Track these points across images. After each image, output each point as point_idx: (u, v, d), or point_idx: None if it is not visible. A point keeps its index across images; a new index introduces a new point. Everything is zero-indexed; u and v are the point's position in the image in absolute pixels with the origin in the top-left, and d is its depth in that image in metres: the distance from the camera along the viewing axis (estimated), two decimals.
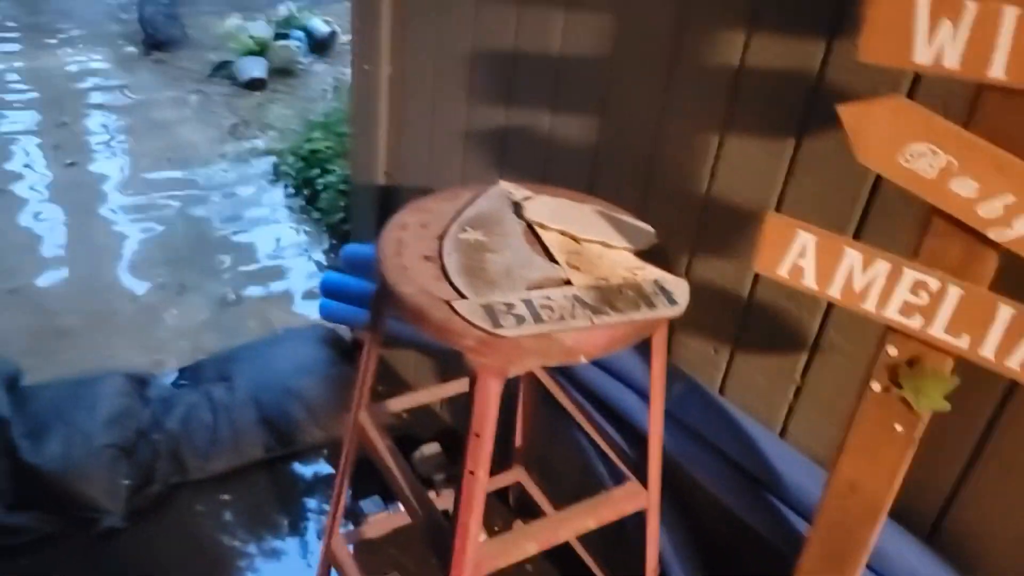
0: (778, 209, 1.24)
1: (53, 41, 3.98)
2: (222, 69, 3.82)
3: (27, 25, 4.08)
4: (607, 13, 1.44)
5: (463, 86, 1.82)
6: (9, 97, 3.54)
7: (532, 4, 1.59)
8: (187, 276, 2.68)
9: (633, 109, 1.45)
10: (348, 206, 2.76)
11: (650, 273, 1.17)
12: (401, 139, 2.12)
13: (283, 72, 3.86)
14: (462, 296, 1.09)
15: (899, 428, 0.90)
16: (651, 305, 1.09)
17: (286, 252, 2.86)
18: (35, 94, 3.60)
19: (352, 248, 2.18)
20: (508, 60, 1.68)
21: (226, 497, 1.88)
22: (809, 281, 0.93)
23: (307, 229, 3.00)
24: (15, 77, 3.67)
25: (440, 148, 1.98)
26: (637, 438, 1.44)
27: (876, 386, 0.90)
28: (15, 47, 3.90)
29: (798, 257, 0.93)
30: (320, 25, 4.08)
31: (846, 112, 0.84)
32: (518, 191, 1.35)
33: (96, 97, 3.65)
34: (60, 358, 2.29)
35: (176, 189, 3.13)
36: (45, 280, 2.60)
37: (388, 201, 2.22)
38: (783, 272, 0.94)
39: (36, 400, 1.97)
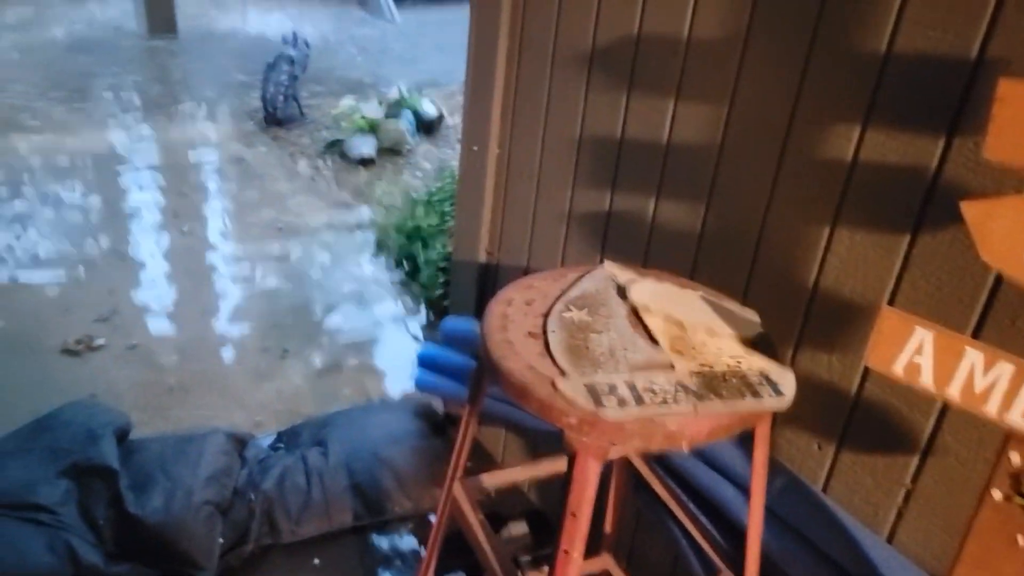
0: (891, 305, 1.22)
1: (181, 114, 4.25)
2: (334, 146, 4.00)
3: (158, 98, 4.39)
4: (717, 103, 1.47)
5: (568, 168, 1.86)
6: (138, 165, 3.78)
7: (641, 93, 1.63)
8: (289, 341, 2.77)
9: (740, 197, 1.46)
10: (448, 282, 2.83)
11: (755, 362, 1.16)
12: (504, 218, 2.17)
13: (391, 151, 4.02)
14: (565, 374, 1.10)
15: (1022, 541, 0.86)
16: (756, 395, 1.07)
17: (385, 323, 2.93)
18: (160, 164, 3.84)
19: (451, 323, 2.22)
20: (614, 144, 1.72)
21: (316, 562, 1.89)
22: (926, 380, 0.90)
23: (406, 302, 3.07)
24: (145, 147, 3.93)
25: (542, 229, 2.02)
26: (733, 532, 1.39)
27: (997, 494, 0.86)
28: (147, 118, 4.18)
29: (915, 354, 0.91)
30: (428, 107, 4.25)
31: (970, 209, 0.83)
32: (623, 273, 1.36)
33: (214, 169, 3.87)
34: (168, 413, 2.38)
35: (284, 258, 3.27)
36: (160, 338, 2.73)
37: (488, 279, 2.27)
38: (898, 369, 0.92)
39: (143, 453, 2.05)
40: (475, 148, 2.16)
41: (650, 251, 1.67)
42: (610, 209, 1.77)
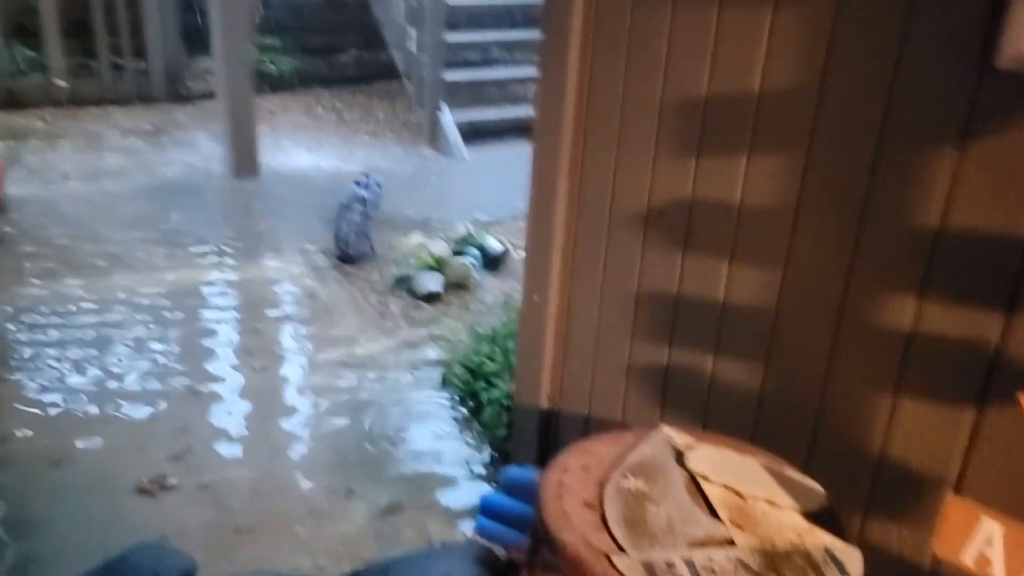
0: (960, 480, 1.18)
1: (259, 252, 4.44)
2: (403, 282, 4.12)
3: (239, 237, 4.61)
4: (772, 267, 1.49)
5: (627, 323, 1.89)
6: (216, 303, 3.95)
7: (696, 254, 1.67)
8: (353, 480, 2.79)
9: (799, 360, 1.46)
10: (511, 423, 2.84)
11: (819, 538, 1.13)
12: (565, 367, 2.19)
13: (458, 286, 4.12)
14: (622, 550, 1.09)
15: None
16: (820, 575, 1.05)
17: (448, 463, 2.94)
18: (237, 302, 4.01)
19: (512, 472, 2.22)
20: (671, 302, 1.75)
21: None
22: (998, 573, 0.87)
23: (470, 441, 3.08)
24: (224, 287, 4.11)
25: (602, 380, 2.03)
26: None
27: None
28: (227, 257, 4.38)
29: (984, 545, 0.89)
30: (494, 244, 4.37)
31: None
32: (681, 438, 1.36)
33: (288, 305, 4.01)
34: (234, 556, 2.40)
35: (350, 394, 3.33)
36: (229, 478, 2.79)
37: (549, 425, 2.28)
38: (967, 560, 0.89)
39: None
40: (536, 297, 2.21)
41: (710, 410, 1.67)
42: (668, 365, 1.78)
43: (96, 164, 5.64)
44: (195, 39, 7.06)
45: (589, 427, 2.09)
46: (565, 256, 2.11)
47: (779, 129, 1.45)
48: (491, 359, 3.28)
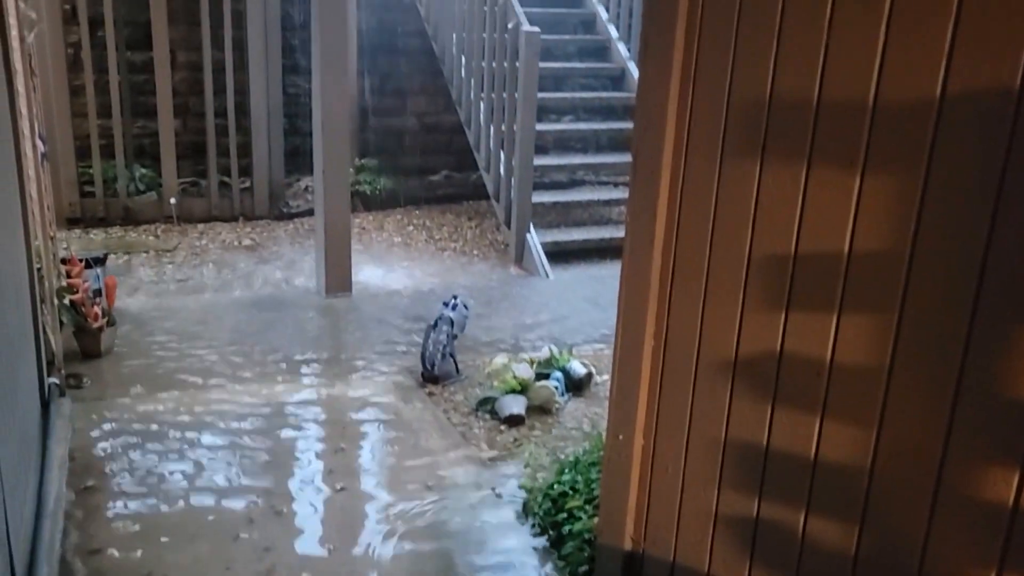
0: None
1: (346, 369, 4.55)
2: (485, 404, 4.15)
3: (327, 354, 4.74)
4: (864, 426, 1.47)
5: (713, 470, 1.87)
6: (302, 421, 4.04)
7: (786, 407, 1.66)
8: None
9: (896, 526, 1.42)
10: (593, 557, 2.78)
11: None
12: (649, 509, 2.16)
13: (541, 410, 4.12)
14: None
15: None
16: None
17: None
18: (323, 419, 4.10)
19: None
20: (760, 453, 1.73)
21: None
22: None
23: (550, 573, 3.02)
24: (310, 402, 4.22)
25: (688, 525, 1.99)
26: None
27: None
28: (314, 374, 4.51)
29: None
30: (578, 367, 4.38)
31: None
32: None
33: (371, 424, 4.07)
34: None
35: (431, 517, 3.33)
36: None
37: (633, 567, 2.23)
38: None
39: None
40: (620, 437, 2.21)
41: (801, 567, 1.62)
42: (757, 518, 1.74)
43: (200, 278, 5.95)
44: (297, 160, 7.49)
45: (674, 574, 2.04)
46: (651, 396, 2.11)
47: (870, 289, 1.46)
48: (574, 489, 3.25)
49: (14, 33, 3.53)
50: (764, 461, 1.71)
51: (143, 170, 6.99)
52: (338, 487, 3.52)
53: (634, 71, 7.33)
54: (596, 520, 2.78)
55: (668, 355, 2.03)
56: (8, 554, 2.47)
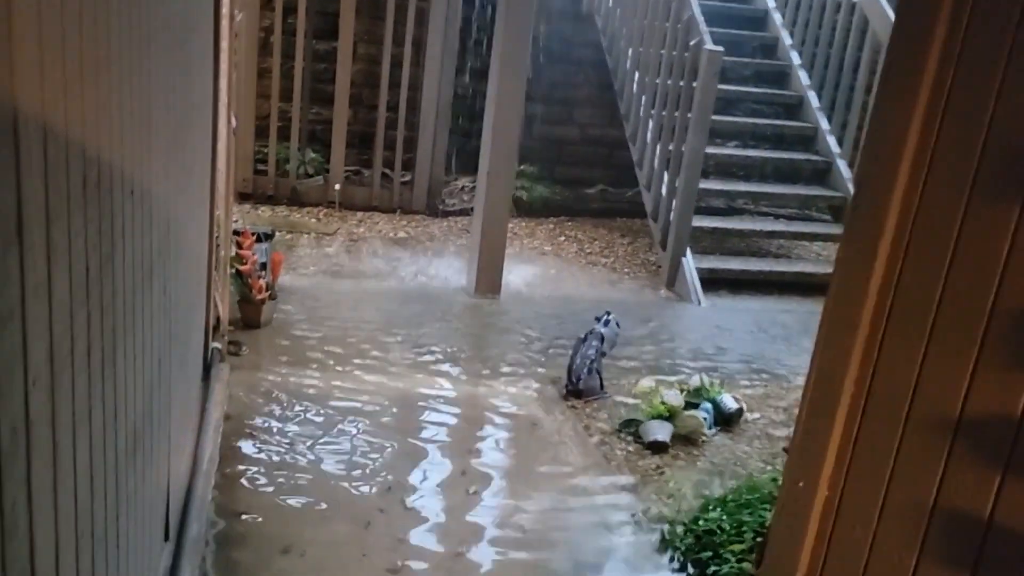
0: None
1: (488, 373, 4.52)
2: (629, 426, 4.02)
3: (471, 353, 4.73)
4: None
5: (914, 538, 1.68)
6: (440, 417, 4.03)
7: (1021, 479, 1.46)
8: None
9: None
10: None
11: None
12: (824, 568, 1.99)
13: (686, 440, 3.96)
14: None
15: None
16: None
17: None
18: (461, 420, 4.07)
19: None
20: (979, 528, 1.53)
21: None
22: None
23: None
24: (449, 399, 4.22)
25: None
26: None
27: None
28: (457, 371, 4.50)
29: None
30: (729, 401, 4.19)
31: None
32: None
33: (509, 430, 4.01)
34: None
35: (564, 533, 3.24)
36: None
37: None
38: None
39: None
40: (800, 484, 2.04)
41: None
42: None
43: (356, 264, 6.09)
44: (457, 159, 7.58)
45: None
46: (843, 445, 1.94)
47: None
48: (721, 528, 3.08)
49: (225, 11, 3.69)
50: (984, 538, 1.52)
51: (313, 155, 7.24)
52: (471, 490, 3.48)
53: (814, 100, 7.02)
54: (750, 567, 2.60)
55: (870, 405, 1.85)
56: (166, 509, 2.54)
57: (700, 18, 6.10)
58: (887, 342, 1.82)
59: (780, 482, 2.22)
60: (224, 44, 3.63)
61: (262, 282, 4.60)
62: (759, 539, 2.71)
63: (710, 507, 3.29)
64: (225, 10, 3.63)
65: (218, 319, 4.13)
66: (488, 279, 5.56)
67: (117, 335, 1.69)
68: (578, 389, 4.30)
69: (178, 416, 2.77)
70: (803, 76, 7.17)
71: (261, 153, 7.06)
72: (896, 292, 1.80)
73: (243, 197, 6.90)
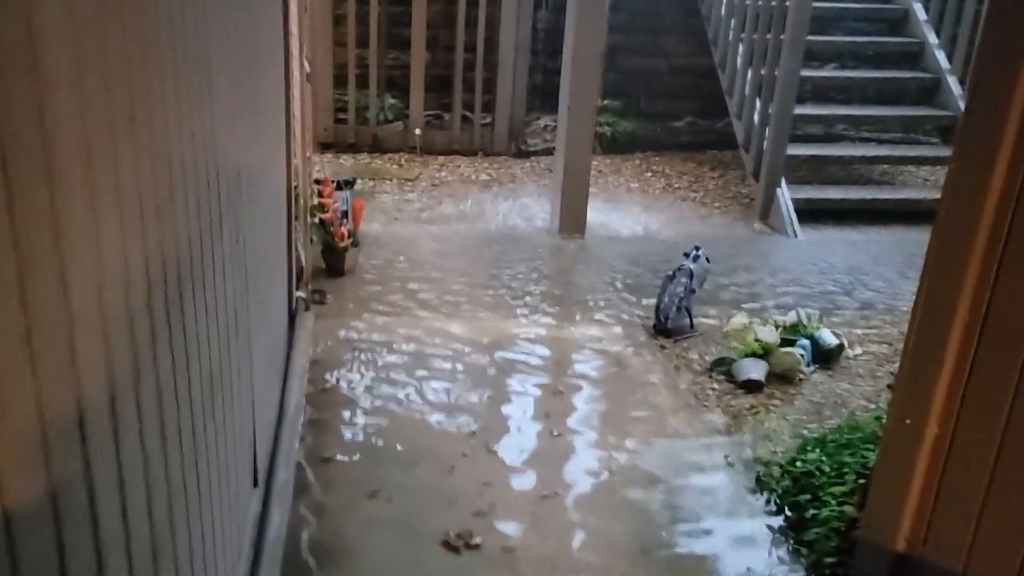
0: None
1: (573, 312, 4.42)
2: (721, 365, 3.87)
3: (555, 294, 4.65)
4: None
5: None
6: (528, 361, 3.96)
7: None
8: (643, 569, 2.59)
9: None
10: (841, 549, 2.48)
11: None
12: (936, 510, 1.84)
13: (782, 378, 3.79)
14: None
15: None
16: None
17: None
18: (546, 361, 3.99)
19: None
20: None
21: None
22: None
23: (783, 557, 2.75)
24: (533, 341, 4.13)
25: (989, 538, 1.66)
26: None
27: None
28: (541, 313, 4.41)
29: None
30: (829, 336, 3.98)
31: None
32: None
33: (596, 371, 3.91)
34: None
35: (653, 475, 3.15)
36: (527, 545, 2.72)
37: (904, 572, 1.92)
38: None
39: None
40: (907, 422, 1.88)
41: None
42: None
43: (438, 209, 6.04)
44: (538, 97, 7.40)
45: None
46: (955, 380, 1.77)
47: None
48: (820, 470, 2.93)
49: None
50: None
51: (392, 100, 7.18)
52: (553, 432, 3.41)
53: (920, 13, 6.54)
54: (852, 510, 2.46)
55: (985, 335, 1.68)
56: (253, 455, 2.56)
57: None
58: (1005, 265, 1.64)
59: (884, 420, 2.06)
60: None
61: (344, 230, 4.60)
62: (861, 481, 2.56)
63: (808, 448, 3.13)
64: None
65: (301, 268, 4.14)
66: (572, 218, 5.43)
67: (184, 283, 1.66)
68: (667, 328, 4.16)
69: (261, 365, 2.78)
70: None
71: (341, 102, 7.05)
72: (1016, 209, 1.61)
73: (324, 147, 6.93)
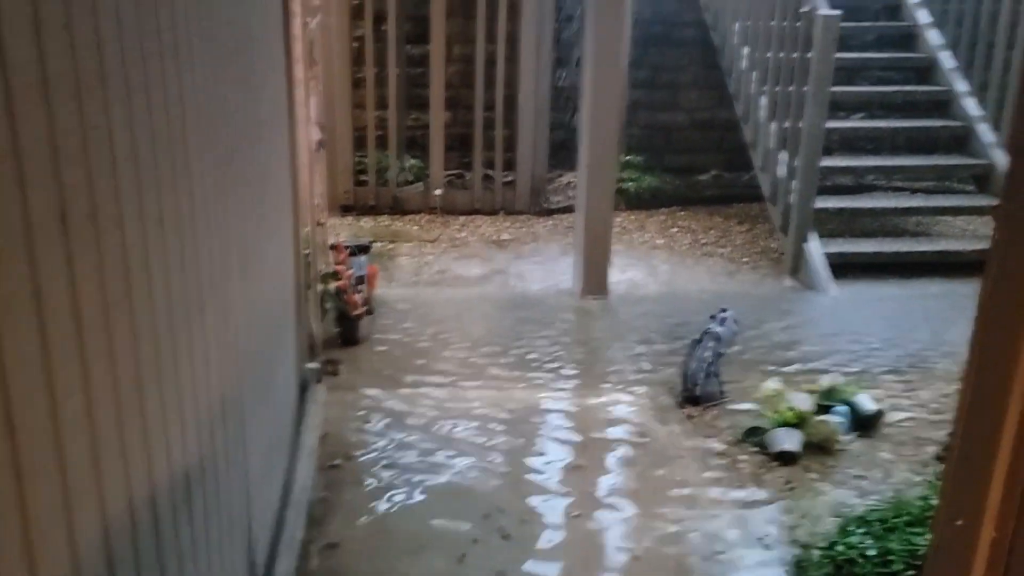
0: None
1: (596, 379, 4.24)
2: (753, 435, 3.65)
3: (577, 360, 4.47)
4: None
5: None
6: (543, 431, 3.77)
7: None
8: None
9: None
10: None
11: None
12: None
13: (819, 448, 3.55)
14: None
15: None
16: None
17: None
18: (564, 431, 3.80)
19: None
20: None
21: None
22: None
23: None
24: (553, 411, 3.96)
25: None
26: None
27: None
28: (563, 381, 4.23)
29: None
30: (867, 402, 3.74)
31: None
32: None
33: (621, 444, 3.70)
34: None
35: (681, 561, 2.92)
36: None
37: None
38: None
39: None
40: (959, 523, 1.67)
41: None
42: None
43: (458, 271, 5.92)
44: (560, 154, 7.31)
45: None
46: (1014, 472, 1.56)
47: None
48: (863, 556, 2.69)
49: (297, 21, 3.55)
50: None
51: (412, 161, 7.13)
52: (574, 513, 3.20)
53: (947, 61, 6.37)
54: None
55: None
56: (248, 548, 2.39)
57: None
58: None
59: (933, 514, 1.84)
60: (297, 54, 3.49)
61: (358, 297, 4.47)
62: (910, 574, 2.32)
63: (849, 528, 2.89)
64: (297, 19, 3.49)
65: (312, 338, 4.01)
66: (594, 279, 5.27)
67: (165, 370, 1.53)
68: (695, 395, 3.95)
69: (260, 448, 2.63)
70: (933, 36, 6.52)
71: (362, 164, 7.00)
72: None
73: (345, 209, 6.86)
